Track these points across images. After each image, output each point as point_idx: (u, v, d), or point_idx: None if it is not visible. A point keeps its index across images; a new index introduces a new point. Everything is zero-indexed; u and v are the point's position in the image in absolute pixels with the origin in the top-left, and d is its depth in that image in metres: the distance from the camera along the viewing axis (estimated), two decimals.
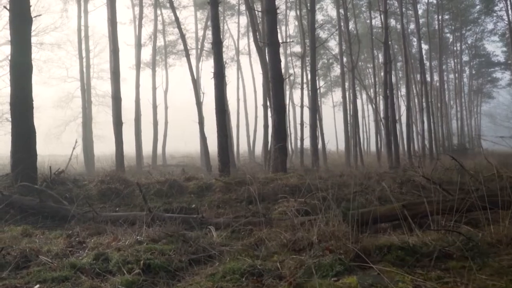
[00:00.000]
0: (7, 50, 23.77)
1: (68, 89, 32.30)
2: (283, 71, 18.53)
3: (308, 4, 18.38)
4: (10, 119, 7.69)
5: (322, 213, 4.74)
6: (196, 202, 7.07)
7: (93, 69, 28.14)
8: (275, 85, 10.80)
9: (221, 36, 12.76)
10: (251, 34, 33.53)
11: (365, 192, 7.17)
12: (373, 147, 38.89)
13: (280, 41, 13.13)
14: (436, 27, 32.15)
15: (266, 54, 13.55)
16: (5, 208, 5.64)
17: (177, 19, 16.81)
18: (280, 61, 10.97)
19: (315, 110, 18.47)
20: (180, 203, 6.84)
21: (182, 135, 39.04)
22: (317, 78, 23.29)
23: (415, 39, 35.57)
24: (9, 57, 7.83)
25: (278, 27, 20.32)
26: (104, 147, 26.93)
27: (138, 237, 3.77)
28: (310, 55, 17.88)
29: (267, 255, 3.40)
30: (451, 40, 39.09)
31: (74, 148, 11.22)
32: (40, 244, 4.02)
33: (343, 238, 3.19)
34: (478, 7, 35.76)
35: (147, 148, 25.47)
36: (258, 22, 18.22)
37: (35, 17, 7.89)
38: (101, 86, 34.97)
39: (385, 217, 4.77)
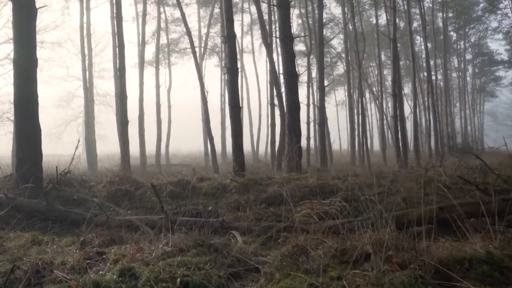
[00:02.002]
0: (6, 48, 23.26)
1: (68, 88, 31.98)
2: None
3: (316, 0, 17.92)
4: (11, 118, 7.28)
5: (357, 216, 4.33)
6: (212, 204, 6.62)
7: (94, 68, 27.66)
8: (289, 82, 10.31)
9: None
10: (254, 32, 33.26)
11: (389, 193, 6.80)
12: (375, 146, 38.52)
13: None
14: (440, 24, 31.74)
15: (277, 49, 13.09)
16: (11, 211, 5.18)
17: (183, 14, 16.31)
18: (294, 56, 10.49)
19: (323, 108, 18.00)
20: (196, 205, 6.42)
21: (185, 134, 38.62)
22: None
23: (417, 37, 35.20)
24: (10, 55, 7.42)
25: None
26: (105, 147, 26.49)
27: (165, 248, 3.30)
28: (318, 52, 17.40)
29: (318, 268, 2.94)
30: (454, 38, 38.73)
31: (76, 148, 10.77)
32: (52, 255, 3.54)
33: (411, 249, 2.73)
34: (482, 5, 35.41)
35: (149, 147, 25.05)
36: (265, 18, 17.75)
37: (39, 8, 7.43)
38: (102, 85, 34.62)
39: (423, 220, 4.36)
